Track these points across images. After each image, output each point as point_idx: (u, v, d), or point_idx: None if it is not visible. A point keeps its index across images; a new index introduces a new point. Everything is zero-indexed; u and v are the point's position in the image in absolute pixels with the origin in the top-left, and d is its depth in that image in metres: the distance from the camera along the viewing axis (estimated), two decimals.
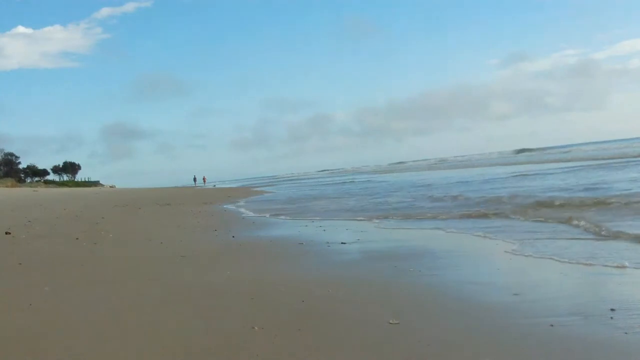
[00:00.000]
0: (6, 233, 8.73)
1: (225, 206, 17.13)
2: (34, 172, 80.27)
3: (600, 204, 8.69)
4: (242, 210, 14.94)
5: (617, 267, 4.61)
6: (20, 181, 68.83)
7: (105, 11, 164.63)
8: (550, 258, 5.19)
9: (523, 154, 65.44)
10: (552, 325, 3.12)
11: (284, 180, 59.14)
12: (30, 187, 56.76)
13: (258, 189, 34.71)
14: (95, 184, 78.49)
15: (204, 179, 66.61)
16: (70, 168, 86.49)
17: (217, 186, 53.53)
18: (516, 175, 19.82)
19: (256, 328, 3.26)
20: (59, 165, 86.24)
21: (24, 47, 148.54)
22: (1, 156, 76.99)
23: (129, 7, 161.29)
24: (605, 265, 4.72)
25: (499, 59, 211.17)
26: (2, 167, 75.61)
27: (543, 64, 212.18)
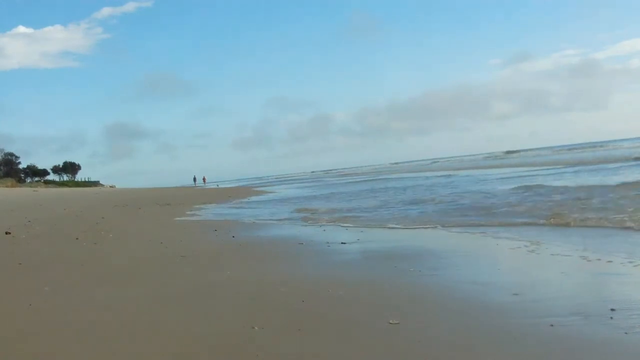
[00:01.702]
0: (6, 233, 8.73)
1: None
2: (34, 172, 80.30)
3: None
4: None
5: (618, 265, 4.61)
6: (20, 181, 68.85)
7: (105, 11, 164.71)
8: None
9: (511, 155, 65.81)
10: (552, 325, 3.12)
11: (284, 181, 59.12)
12: (30, 187, 56.77)
13: (259, 188, 34.71)
14: (95, 184, 78.50)
15: (204, 179, 66.69)
16: (70, 168, 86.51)
17: (219, 185, 53.66)
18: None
19: (256, 328, 3.26)
20: (59, 165, 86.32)
21: (25, 47, 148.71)
22: (1, 156, 77.03)
23: (130, 6, 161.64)
24: (606, 264, 4.73)
25: (500, 59, 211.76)
26: (2, 167, 75.64)
27: (544, 63, 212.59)
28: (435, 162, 74.20)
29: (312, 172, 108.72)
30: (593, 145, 62.26)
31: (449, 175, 25.98)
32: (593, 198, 9.45)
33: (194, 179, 66.76)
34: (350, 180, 35.36)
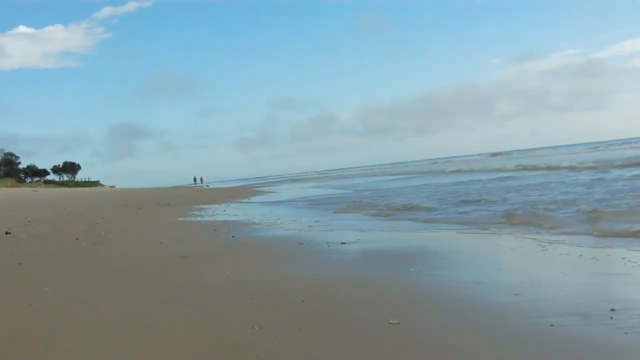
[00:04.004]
0: (6, 233, 8.73)
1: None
2: (34, 172, 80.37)
3: None
4: None
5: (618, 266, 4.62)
6: (20, 181, 68.93)
7: (106, 11, 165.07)
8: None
9: (497, 157, 66.50)
10: (552, 325, 3.12)
11: (286, 181, 59.12)
12: (30, 187, 56.82)
13: (259, 188, 34.70)
14: (95, 184, 78.60)
15: (201, 179, 67.77)
16: (70, 168, 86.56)
17: (209, 186, 54.31)
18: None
19: (256, 328, 3.26)
20: (59, 165, 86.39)
21: (25, 46, 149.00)
22: (1, 156, 77.09)
23: (130, 6, 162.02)
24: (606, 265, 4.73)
25: (501, 59, 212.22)
26: (2, 167, 75.70)
27: (545, 63, 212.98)
28: (434, 162, 74.53)
29: (315, 171, 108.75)
30: (594, 146, 62.35)
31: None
32: None
33: (194, 179, 67.86)
34: (365, 181, 35.36)
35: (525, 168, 26.12)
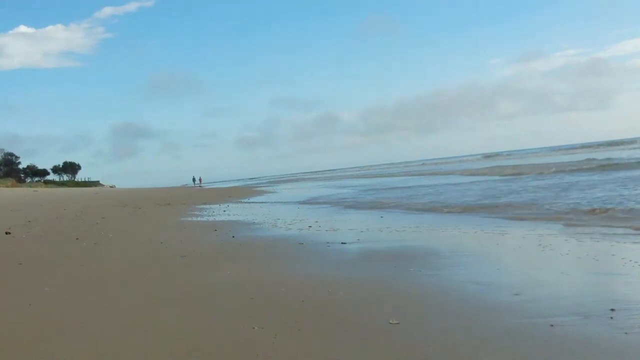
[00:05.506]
0: (6, 233, 8.73)
1: None
2: (34, 172, 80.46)
3: None
4: None
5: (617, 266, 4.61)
6: (20, 181, 68.98)
7: (107, 10, 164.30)
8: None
9: (490, 158, 66.74)
10: (552, 325, 3.12)
11: (288, 181, 59.15)
12: (30, 187, 56.82)
13: (260, 188, 34.70)
14: (95, 184, 78.74)
15: (199, 179, 68.60)
16: (70, 168, 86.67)
17: (202, 187, 54.77)
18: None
19: (256, 328, 3.26)
20: (59, 165, 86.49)
21: (26, 46, 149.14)
22: (1, 156, 77.17)
23: (131, 6, 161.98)
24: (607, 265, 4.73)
25: (502, 59, 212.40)
26: (2, 167, 75.76)
27: (546, 63, 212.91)
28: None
29: (316, 171, 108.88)
30: (596, 146, 62.37)
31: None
32: None
33: (193, 180, 68.65)
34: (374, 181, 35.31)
35: (532, 170, 26.10)
